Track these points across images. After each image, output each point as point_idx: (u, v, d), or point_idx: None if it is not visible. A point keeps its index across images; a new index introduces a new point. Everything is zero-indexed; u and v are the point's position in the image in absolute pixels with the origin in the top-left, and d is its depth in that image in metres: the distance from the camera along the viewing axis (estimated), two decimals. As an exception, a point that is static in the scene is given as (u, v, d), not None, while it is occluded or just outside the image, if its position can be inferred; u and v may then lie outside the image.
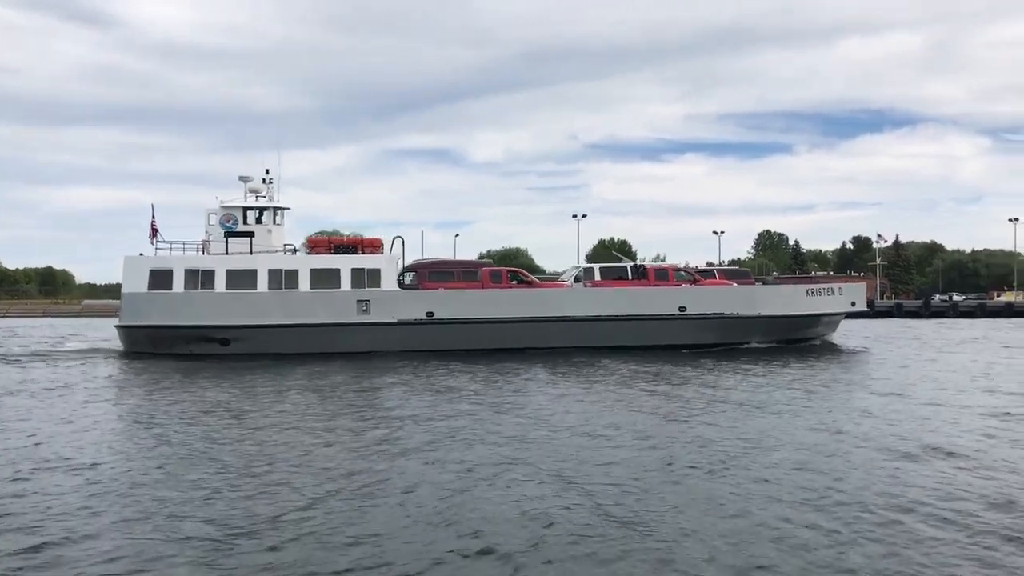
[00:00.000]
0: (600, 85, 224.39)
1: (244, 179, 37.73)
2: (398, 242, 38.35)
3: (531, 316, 36.30)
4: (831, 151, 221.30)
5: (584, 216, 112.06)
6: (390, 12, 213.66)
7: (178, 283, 34.79)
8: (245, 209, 37.33)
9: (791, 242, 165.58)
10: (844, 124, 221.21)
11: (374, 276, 35.56)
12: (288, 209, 39.04)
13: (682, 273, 40.76)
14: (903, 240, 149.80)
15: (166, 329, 34.82)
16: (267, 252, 36.60)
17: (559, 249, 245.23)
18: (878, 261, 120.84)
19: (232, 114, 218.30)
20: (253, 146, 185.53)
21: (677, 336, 36.96)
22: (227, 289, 34.91)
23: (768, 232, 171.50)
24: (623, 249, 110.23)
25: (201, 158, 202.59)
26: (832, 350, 37.63)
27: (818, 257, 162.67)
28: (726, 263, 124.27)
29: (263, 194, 38.06)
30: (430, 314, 35.69)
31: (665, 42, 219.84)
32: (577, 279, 39.72)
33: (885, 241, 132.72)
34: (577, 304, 36.84)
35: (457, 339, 35.33)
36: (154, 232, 36.75)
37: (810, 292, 40.08)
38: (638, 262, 43.31)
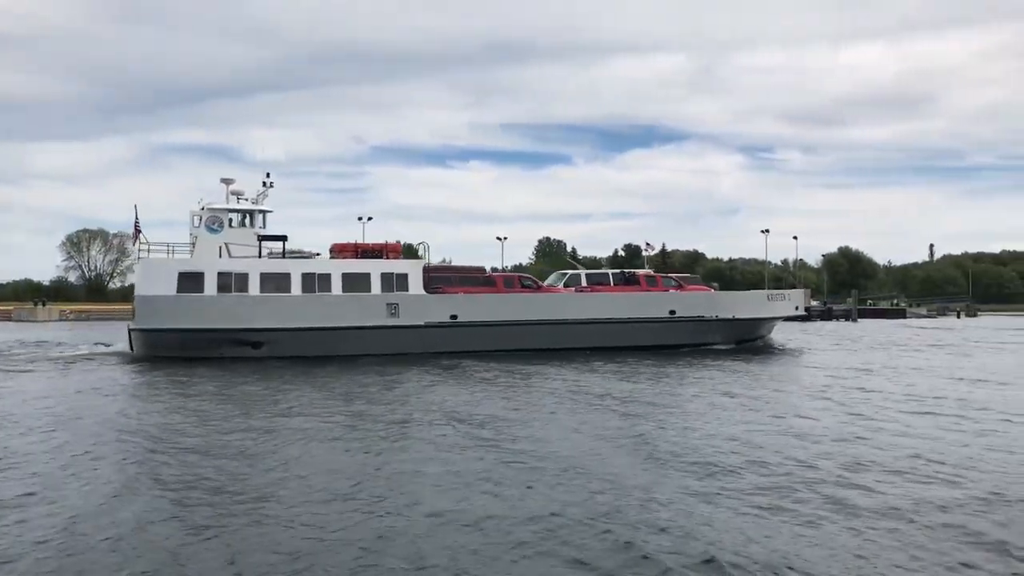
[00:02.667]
0: (386, 89, 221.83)
1: (226, 181, 37.64)
2: (422, 247, 39.94)
3: (545, 319, 38.47)
4: (607, 163, 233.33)
5: (370, 219, 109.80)
6: (166, 3, 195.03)
7: (210, 286, 34.32)
8: (230, 211, 37.08)
9: (569, 249, 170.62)
10: (618, 138, 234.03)
11: (402, 280, 36.65)
12: (271, 212, 38.42)
13: (670, 280, 43.75)
14: (669, 248, 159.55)
15: (197, 332, 33.93)
16: (300, 256, 37.36)
17: None
18: (646, 267, 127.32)
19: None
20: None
21: (665, 337, 40.11)
22: (261, 292, 34.86)
23: (548, 239, 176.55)
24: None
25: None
26: (789, 348, 42.87)
27: (593, 263, 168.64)
28: (509, 268, 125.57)
29: (245, 196, 37.96)
30: (454, 317, 37.08)
31: (450, 51, 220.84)
32: (567, 285, 42.27)
33: (653, 249, 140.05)
34: (585, 308, 39.32)
35: (479, 341, 36.88)
36: (137, 233, 36.29)
37: (769, 297, 44.53)
38: (625, 270, 45.86)
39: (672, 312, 40.41)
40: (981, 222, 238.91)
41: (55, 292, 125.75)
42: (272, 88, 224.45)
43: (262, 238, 37.01)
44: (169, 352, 33.92)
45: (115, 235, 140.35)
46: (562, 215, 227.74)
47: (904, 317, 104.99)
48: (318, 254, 38.86)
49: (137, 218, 36.88)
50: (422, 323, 36.56)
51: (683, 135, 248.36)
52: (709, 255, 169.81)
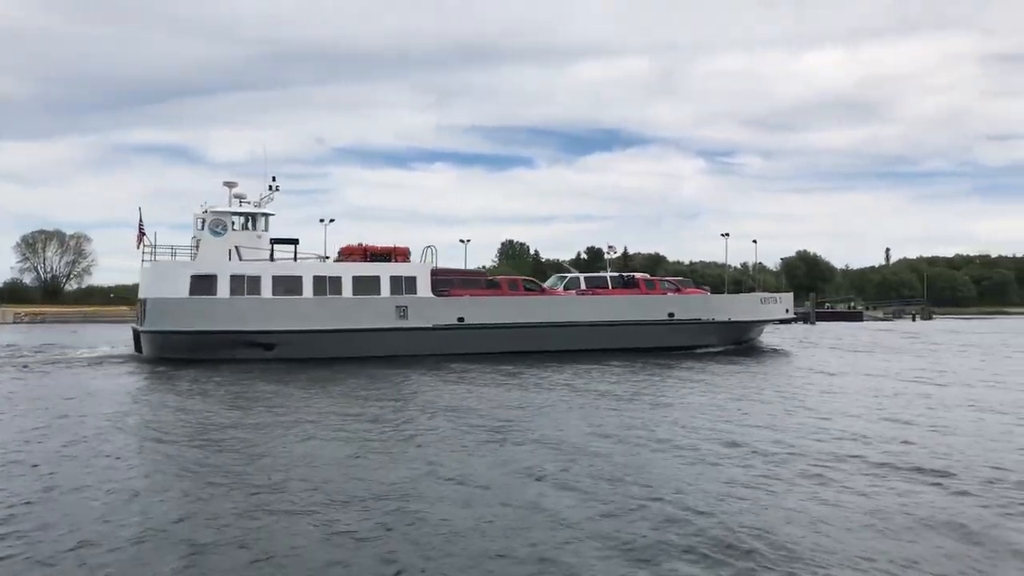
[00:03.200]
0: (348, 90, 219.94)
1: (229, 184, 37.84)
2: (428, 251, 39.67)
3: (549, 321, 39.12)
4: (569, 166, 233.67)
5: (332, 221, 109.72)
6: (128, 1, 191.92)
7: (223, 288, 34.65)
8: (233, 214, 37.13)
9: (532, 251, 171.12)
10: (580, 141, 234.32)
11: (411, 283, 37.23)
12: (273, 215, 38.46)
13: (666, 283, 44.83)
14: (631, 251, 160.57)
15: (209, 334, 34.21)
16: (313, 258, 38.18)
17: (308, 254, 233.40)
18: (608, 270, 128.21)
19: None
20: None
21: (665, 339, 40.73)
22: (273, 295, 35.22)
23: (511, 241, 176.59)
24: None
25: None
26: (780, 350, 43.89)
27: (557, 266, 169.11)
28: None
29: (247, 199, 38.06)
30: (461, 319, 37.71)
31: (413, 51, 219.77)
32: (567, 288, 42.74)
33: (615, 252, 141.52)
34: (588, 311, 40.03)
35: (485, 343, 37.49)
36: (141, 236, 36.43)
37: (762, 301, 45.52)
38: (624, 273, 46.73)
39: (671, 314, 41.20)
40: (935, 227, 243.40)
41: (9, 294, 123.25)
42: (234, 88, 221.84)
43: (275, 241, 37.56)
44: (181, 354, 33.72)
45: (72, 236, 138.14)
46: (525, 217, 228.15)
47: (861, 320, 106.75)
48: (327, 257, 39.50)
49: (141, 221, 36.94)
50: (430, 325, 37.10)
51: (645, 139, 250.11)
52: (670, 258, 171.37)
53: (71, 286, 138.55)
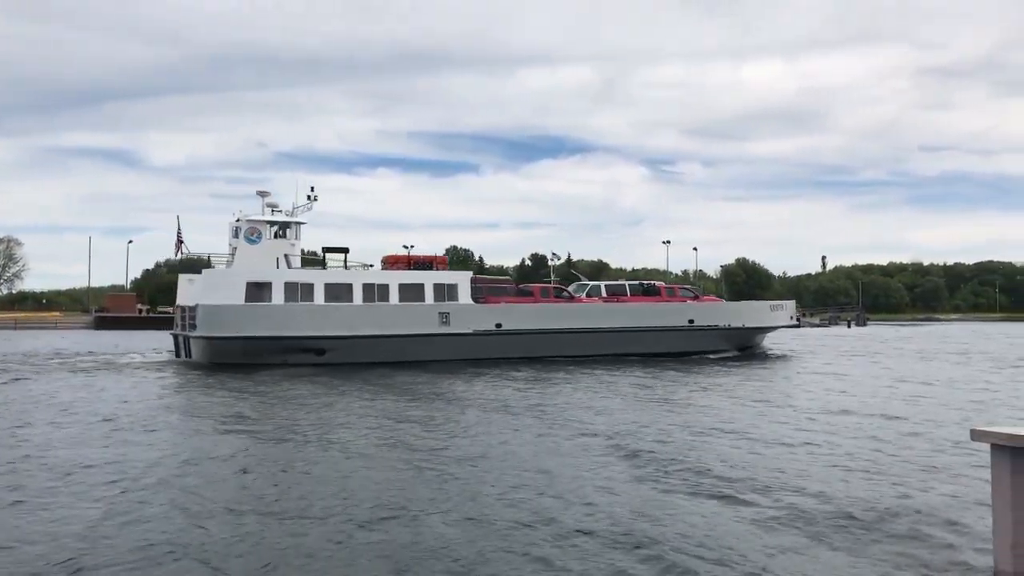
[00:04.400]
0: (291, 94, 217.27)
1: (262, 194, 39.36)
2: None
3: (580, 328, 40.38)
4: (514, 173, 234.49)
5: (179, 229, 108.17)
6: (63, 2, 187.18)
7: (277, 296, 35.67)
8: (268, 223, 38.35)
9: (476, 258, 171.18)
10: (525, 148, 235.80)
11: (452, 291, 38.48)
12: (304, 224, 39.67)
13: (687, 291, 46.60)
14: (575, 258, 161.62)
15: (265, 340, 35.15)
16: (361, 266, 39.68)
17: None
18: (553, 277, 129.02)
19: None
20: None
21: (684, 345, 42.23)
22: (325, 302, 36.36)
23: (455, 247, 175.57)
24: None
25: None
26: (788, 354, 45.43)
27: (501, 273, 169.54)
28: None
29: (279, 208, 39.28)
30: (499, 325, 38.90)
31: (357, 57, 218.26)
32: (589, 295, 43.96)
33: (559, 259, 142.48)
34: (616, 318, 41.40)
35: (521, 348, 38.82)
36: (180, 243, 38.03)
37: (772, 308, 46.96)
38: (644, 282, 48.54)
39: (691, 321, 42.64)
40: (870, 235, 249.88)
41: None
42: (173, 91, 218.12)
43: (326, 250, 39.87)
44: (235, 359, 34.57)
45: (1, 240, 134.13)
46: (470, 224, 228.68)
47: (799, 326, 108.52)
48: (371, 265, 41.29)
49: (180, 228, 38.20)
50: (470, 331, 38.27)
51: (589, 147, 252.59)
52: (613, 265, 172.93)
53: (0, 291, 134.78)
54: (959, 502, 10.58)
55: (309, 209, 39.95)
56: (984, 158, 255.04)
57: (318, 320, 35.98)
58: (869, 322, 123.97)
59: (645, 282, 47.07)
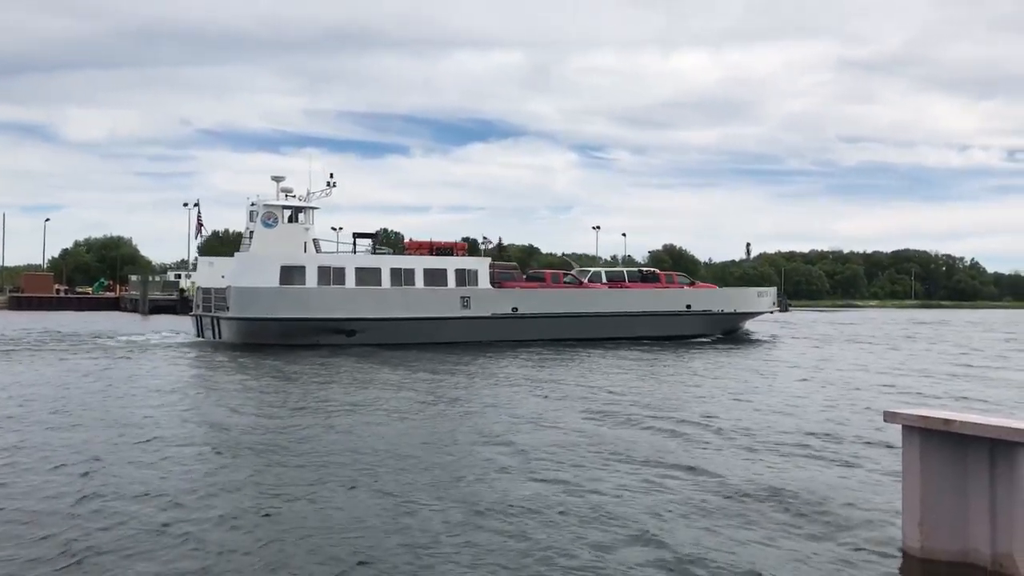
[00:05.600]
0: (216, 71, 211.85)
1: (277, 179, 40.49)
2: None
3: (589, 312, 42.60)
4: (444, 156, 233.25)
5: (196, 205, 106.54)
6: None
7: (311, 279, 37.38)
8: (283, 208, 39.82)
9: (407, 241, 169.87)
10: (456, 132, 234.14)
11: (473, 276, 40.47)
12: (317, 209, 41.08)
13: (684, 277, 49.62)
14: (505, 242, 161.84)
15: (298, 321, 36.83)
16: (390, 254, 41.79)
17: (168, 240, 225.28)
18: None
19: None
20: None
21: (682, 328, 44.57)
22: (356, 285, 38.08)
23: (386, 230, 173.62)
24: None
25: None
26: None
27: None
28: None
29: (293, 193, 40.71)
30: (515, 309, 41.00)
31: (284, 34, 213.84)
32: (591, 281, 46.14)
33: (490, 243, 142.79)
34: (621, 303, 43.70)
35: (535, 331, 40.82)
36: (200, 226, 41.72)
37: (759, 295, 49.53)
38: (643, 268, 52.00)
39: (688, 306, 45.26)
40: (793, 223, 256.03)
41: None
42: (94, 65, 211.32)
43: (357, 235, 42.07)
44: (269, 340, 36.15)
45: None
46: (400, 206, 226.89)
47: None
48: (392, 250, 44.17)
49: (200, 213, 40.03)
50: (489, 314, 40.35)
51: (520, 131, 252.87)
52: (544, 250, 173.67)
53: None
54: (874, 482, 10.97)
55: (327, 195, 41.62)
56: (903, 150, 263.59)
57: (349, 302, 37.72)
58: (791, 307, 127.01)
59: (644, 269, 49.80)
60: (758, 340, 45.06)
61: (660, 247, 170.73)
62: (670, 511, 9.55)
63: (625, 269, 49.52)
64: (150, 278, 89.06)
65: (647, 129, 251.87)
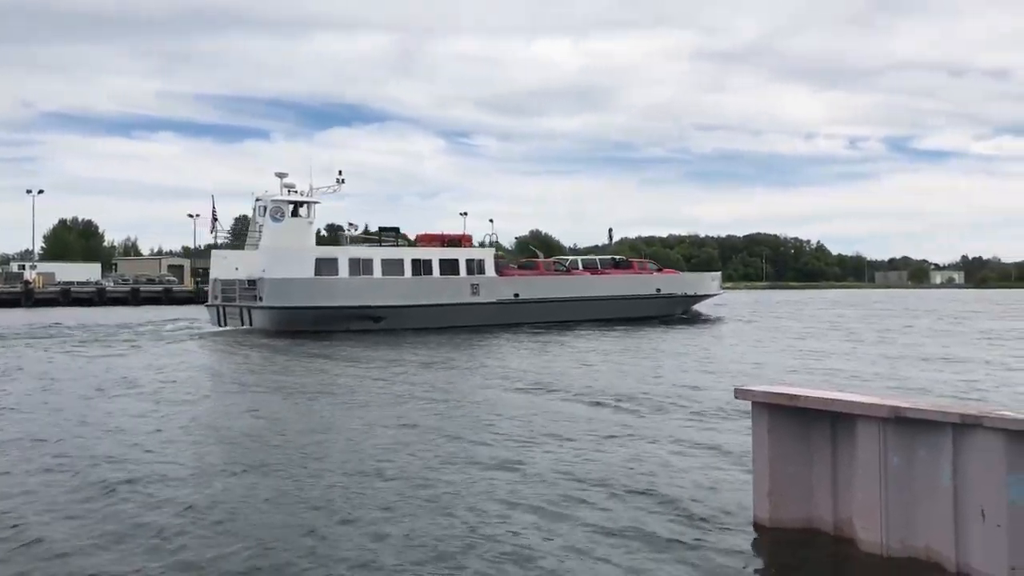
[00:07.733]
0: (61, 51, 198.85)
1: (280, 175, 43.31)
2: (486, 238, 47.31)
3: (578, 296, 47.14)
4: (308, 141, 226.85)
5: (41, 192, 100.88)
6: None
7: (343, 270, 40.34)
8: (288, 203, 42.69)
9: (419, 234, 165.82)
10: (319, 116, 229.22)
11: (480, 265, 44.10)
12: (318, 203, 44.39)
13: (651, 264, 55.72)
14: (372, 228, 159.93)
15: (332, 309, 39.72)
16: (411, 247, 45.83)
17: (9, 229, 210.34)
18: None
19: None
20: None
21: (651, 310, 49.57)
22: (382, 275, 41.19)
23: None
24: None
25: None
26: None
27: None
28: (202, 247, 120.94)
29: (295, 188, 43.48)
30: (516, 295, 44.89)
31: (138, 13, 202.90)
32: (570, 268, 51.27)
33: (356, 229, 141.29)
34: (605, 287, 48.52)
35: (533, 314, 44.68)
36: (214, 220, 43.29)
37: (711, 279, 55.40)
38: (615, 256, 57.52)
39: (658, 290, 50.47)
40: (653, 209, 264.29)
41: None
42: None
43: (383, 229, 46.99)
44: (303, 327, 38.64)
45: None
46: (259, 192, 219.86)
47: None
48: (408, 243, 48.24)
49: (214, 207, 41.28)
50: (495, 300, 44.04)
51: (386, 116, 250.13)
52: (411, 236, 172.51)
53: None
54: (724, 457, 11.37)
55: (334, 191, 44.80)
56: (754, 138, 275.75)
57: (377, 291, 40.70)
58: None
59: (616, 256, 56.15)
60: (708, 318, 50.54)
61: (527, 233, 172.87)
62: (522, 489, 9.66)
63: (598, 258, 54.94)
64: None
65: (513, 116, 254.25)
